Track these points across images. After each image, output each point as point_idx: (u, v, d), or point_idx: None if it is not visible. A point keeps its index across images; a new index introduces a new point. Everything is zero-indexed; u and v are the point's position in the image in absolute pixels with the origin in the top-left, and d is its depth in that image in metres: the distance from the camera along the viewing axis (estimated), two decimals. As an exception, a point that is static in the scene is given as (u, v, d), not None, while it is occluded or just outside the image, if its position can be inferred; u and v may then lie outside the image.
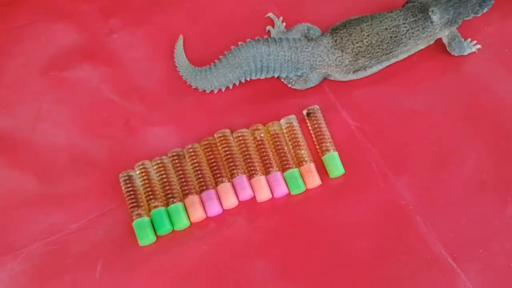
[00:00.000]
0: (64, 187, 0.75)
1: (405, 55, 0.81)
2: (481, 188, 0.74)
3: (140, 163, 0.74)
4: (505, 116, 0.78)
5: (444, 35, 0.82)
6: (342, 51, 0.78)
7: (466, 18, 0.82)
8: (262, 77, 0.80)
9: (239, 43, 0.78)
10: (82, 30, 0.83)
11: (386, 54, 0.79)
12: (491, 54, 0.82)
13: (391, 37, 0.78)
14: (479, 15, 0.83)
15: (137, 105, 0.79)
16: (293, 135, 0.75)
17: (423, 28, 0.80)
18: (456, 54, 0.82)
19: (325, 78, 0.80)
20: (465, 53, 0.82)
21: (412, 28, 0.79)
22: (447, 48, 0.82)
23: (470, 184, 0.74)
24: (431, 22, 0.80)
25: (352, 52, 0.78)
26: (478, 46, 0.83)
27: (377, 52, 0.78)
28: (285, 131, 0.76)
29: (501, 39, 0.83)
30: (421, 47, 0.82)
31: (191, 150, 0.75)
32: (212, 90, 0.79)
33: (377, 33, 0.78)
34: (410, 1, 0.84)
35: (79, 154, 0.77)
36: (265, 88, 0.80)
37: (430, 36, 0.81)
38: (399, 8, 0.81)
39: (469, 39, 0.83)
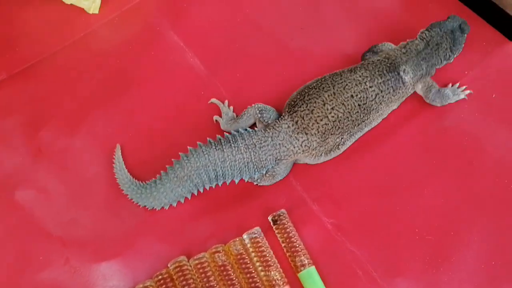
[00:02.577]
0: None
1: (379, 120, 0.70)
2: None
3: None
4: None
5: (418, 88, 0.72)
6: (306, 133, 0.66)
7: (438, 67, 0.72)
8: (220, 184, 0.68)
9: (188, 148, 0.66)
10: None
11: (358, 125, 0.67)
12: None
13: (359, 105, 0.67)
14: (451, 61, 0.73)
15: (76, 241, 0.66)
16: (259, 253, 0.64)
17: (394, 90, 0.69)
18: (438, 105, 0.71)
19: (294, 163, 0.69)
20: (451, 101, 0.71)
21: (381, 92, 0.68)
22: (426, 100, 0.71)
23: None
24: (403, 83, 0.69)
25: (318, 132, 0.66)
26: (468, 91, 0.72)
27: (346, 126, 0.66)
28: (250, 248, 0.64)
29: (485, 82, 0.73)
30: (395, 107, 0.71)
31: (142, 290, 0.62)
32: (163, 207, 0.67)
33: (343, 104, 0.66)
34: (371, 51, 0.73)
35: None
36: (222, 191, 0.68)
37: (403, 96, 0.70)
38: (358, 63, 0.71)
39: (457, 84, 0.73)
